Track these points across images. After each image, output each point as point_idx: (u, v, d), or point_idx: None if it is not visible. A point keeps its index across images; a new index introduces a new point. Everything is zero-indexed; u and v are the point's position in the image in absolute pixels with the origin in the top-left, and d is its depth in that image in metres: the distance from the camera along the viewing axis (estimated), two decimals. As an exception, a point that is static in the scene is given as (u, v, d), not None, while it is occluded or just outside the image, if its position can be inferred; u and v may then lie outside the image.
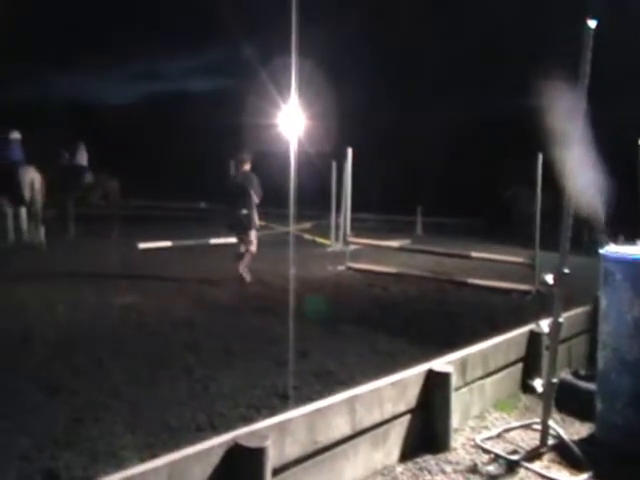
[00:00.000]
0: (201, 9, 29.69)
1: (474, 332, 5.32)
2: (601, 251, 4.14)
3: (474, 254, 10.48)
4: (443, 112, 24.85)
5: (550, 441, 3.90)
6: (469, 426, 4.22)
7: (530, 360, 4.95)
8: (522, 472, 3.63)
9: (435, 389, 3.84)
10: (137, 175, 19.79)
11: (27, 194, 11.96)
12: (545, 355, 4.62)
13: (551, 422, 3.90)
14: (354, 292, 9.34)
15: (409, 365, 3.97)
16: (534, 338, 4.94)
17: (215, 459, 2.64)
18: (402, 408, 3.70)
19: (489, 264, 10.72)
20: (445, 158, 23.84)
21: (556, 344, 3.95)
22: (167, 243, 12.47)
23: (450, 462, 3.69)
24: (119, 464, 3.31)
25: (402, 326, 7.09)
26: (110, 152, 19.31)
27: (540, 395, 4.01)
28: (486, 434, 4.10)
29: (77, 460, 3.55)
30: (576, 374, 4.93)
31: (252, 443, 2.70)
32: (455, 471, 3.59)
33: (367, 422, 3.46)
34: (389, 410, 3.60)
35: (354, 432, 3.37)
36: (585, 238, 13.49)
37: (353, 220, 12.62)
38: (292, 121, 11.67)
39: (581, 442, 4.01)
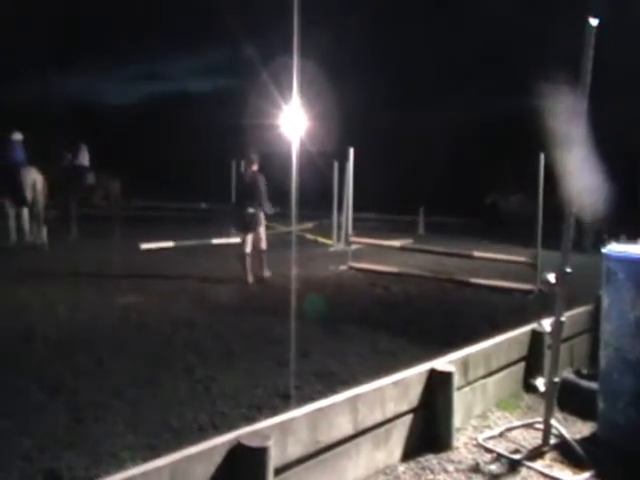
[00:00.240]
0: (203, 9, 29.73)
1: (476, 331, 5.32)
2: (603, 250, 4.14)
3: (476, 253, 10.47)
4: (444, 112, 24.86)
5: (552, 440, 3.89)
6: (471, 425, 4.22)
7: (532, 359, 4.94)
8: (524, 471, 3.63)
9: (437, 388, 3.84)
10: (138, 175, 19.80)
11: (29, 195, 11.97)
12: (547, 354, 4.61)
13: (553, 421, 3.89)
14: (356, 292, 9.34)
15: (411, 365, 3.97)
16: (536, 337, 4.93)
17: (217, 459, 2.64)
18: (404, 407, 3.69)
19: (491, 263, 10.71)
20: (445, 158, 23.87)
21: (558, 343, 3.94)
22: (169, 243, 12.48)
23: (452, 461, 3.69)
24: (121, 464, 3.31)
25: (404, 326, 7.09)
26: (112, 153, 19.33)
27: (542, 394, 4.01)
28: (488, 433, 4.10)
29: (79, 460, 3.55)
30: (578, 373, 4.92)
31: (254, 443, 2.70)
32: (457, 470, 3.59)
33: (369, 421, 3.46)
34: (391, 409, 3.60)
35: (356, 431, 3.37)
36: (584, 238, 13.47)
37: (355, 220, 12.61)
38: (294, 121, 11.67)
39: (583, 441, 4.01)
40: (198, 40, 36.13)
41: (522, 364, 4.94)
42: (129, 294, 8.20)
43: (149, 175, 24.46)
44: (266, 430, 2.85)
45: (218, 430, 3.74)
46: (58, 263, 10.58)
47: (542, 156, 9.09)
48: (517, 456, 3.78)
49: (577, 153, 3.80)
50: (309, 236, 15.78)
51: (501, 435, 4.09)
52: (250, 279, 9.42)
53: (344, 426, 3.29)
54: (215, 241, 13.47)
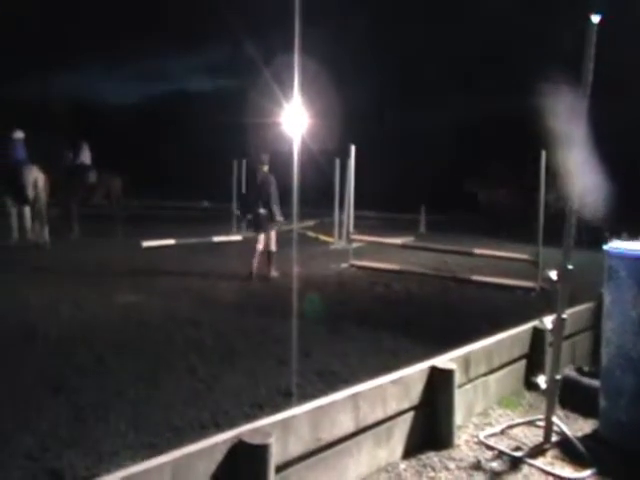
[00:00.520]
0: (205, 8, 29.72)
1: (477, 329, 5.31)
2: (605, 248, 4.13)
3: (477, 251, 10.47)
4: (444, 111, 24.86)
5: (554, 438, 3.89)
6: (473, 423, 4.22)
7: (534, 357, 4.94)
8: (526, 468, 3.63)
9: (438, 386, 3.84)
10: (140, 174, 19.82)
11: (30, 193, 11.99)
12: (549, 352, 4.60)
13: (555, 419, 3.89)
14: (357, 290, 9.34)
15: (412, 362, 3.97)
16: (538, 335, 4.93)
17: (219, 456, 2.64)
18: (405, 405, 3.69)
19: (492, 261, 10.71)
20: (446, 156, 23.90)
21: (560, 341, 3.94)
22: (170, 241, 12.49)
23: (454, 459, 3.69)
24: (123, 463, 3.31)
25: (405, 324, 7.08)
26: (113, 151, 19.36)
27: (544, 392, 4.01)
28: (490, 431, 4.10)
29: (81, 459, 3.55)
30: (580, 371, 4.92)
31: (255, 440, 2.71)
32: (459, 468, 3.59)
33: (370, 419, 3.46)
34: (392, 407, 3.60)
35: (357, 429, 3.37)
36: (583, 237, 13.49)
37: (356, 218, 12.61)
38: (295, 119, 11.69)
39: (585, 439, 4.00)
40: (199, 39, 36.17)
41: (523, 362, 4.94)
42: (131, 293, 8.21)
43: (150, 174, 24.48)
44: (267, 427, 2.85)
45: (220, 428, 3.74)
46: (60, 262, 10.60)
47: (544, 153, 9.10)
48: (518, 453, 3.78)
49: (577, 152, 3.80)
50: (310, 234, 15.79)
51: (502, 432, 4.09)
52: (253, 273, 9.60)
53: (345, 424, 3.30)
54: (216, 239, 13.49)
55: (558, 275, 3.83)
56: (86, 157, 14.53)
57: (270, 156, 10.17)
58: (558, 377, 3.89)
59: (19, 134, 12.37)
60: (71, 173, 14.04)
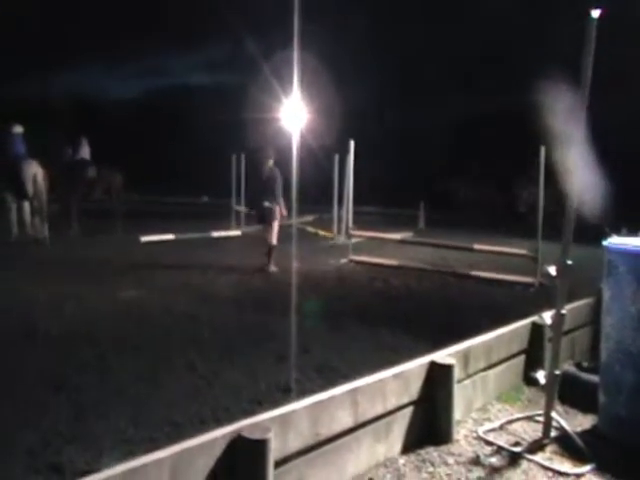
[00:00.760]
0: (205, 5, 29.67)
1: (476, 324, 5.31)
2: (604, 243, 4.13)
3: (476, 246, 10.48)
4: (444, 108, 24.87)
5: (553, 433, 3.90)
6: (472, 418, 4.23)
7: (533, 352, 4.94)
8: (525, 464, 3.64)
9: (438, 381, 3.84)
10: (140, 170, 19.81)
11: (30, 188, 11.97)
12: (548, 347, 4.61)
13: (554, 414, 3.90)
14: (356, 285, 9.35)
15: (411, 358, 3.97)
16: (537, 330, 4.93)
17: (218, 451, 2.64)
18: (404, 400, 3.70)
19: (491, 256, 10.71)
20: (445, 155, 23.94)
21: (559, 336, 3.94)
22: (169, 236, 12.49)
23: (452, 454, 3.70)
24: (123, 458, 3.31)
25: (404, 319, 7.09)
26: (113, 147, 19.34)
27: (543, 387, 4.02)
28: (489, 426, 4.10)
29: (81, 454, 3.56)
30: (579, 366, 4.92)
31: (254, 435, 2.71)
32: (457, 463, 3.60)
33: (370, 414, 3.46)
34: (391, 402, 3.60)
35: (356, 424, 3.38)
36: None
37: (355, 213, 12.61)
38: (294, 115, 11.67)
39: (584, 434, 4.01)
40: (200, 35, 36.10)
41: (523, 357, 4.95)
42: (131, 288, 8.21)
43: (150, 169, 24.46)
44: (266, 422, 2.85)
45: (220, 424, 3.74)
46: (60, 257, 10.60)
47: (543, 150, 9.10)
48: (517, 449, 3.79)
49: (576, 150, 3.79)
50: (310, 229, 15.78)
51: (501, 428, 4.10)
52: (273, 268, 9.86)
53: (344, 419, 3.30)
54: (215, 234, 13.49)
55: (557, 270, 3.83)
56: (85, 152, 14.50)
57: (276, 151, 10.31)
58: (557, 372, 3.89)
59: (18, 129, 12.35)
60: (70, 169, 14.02)
